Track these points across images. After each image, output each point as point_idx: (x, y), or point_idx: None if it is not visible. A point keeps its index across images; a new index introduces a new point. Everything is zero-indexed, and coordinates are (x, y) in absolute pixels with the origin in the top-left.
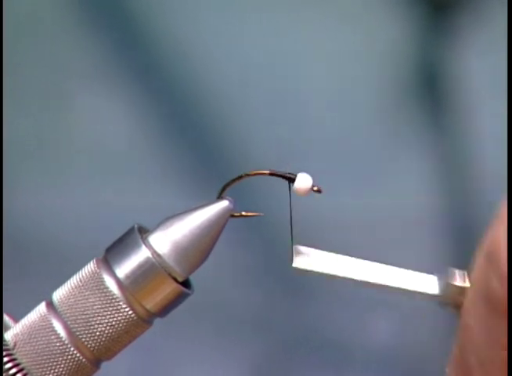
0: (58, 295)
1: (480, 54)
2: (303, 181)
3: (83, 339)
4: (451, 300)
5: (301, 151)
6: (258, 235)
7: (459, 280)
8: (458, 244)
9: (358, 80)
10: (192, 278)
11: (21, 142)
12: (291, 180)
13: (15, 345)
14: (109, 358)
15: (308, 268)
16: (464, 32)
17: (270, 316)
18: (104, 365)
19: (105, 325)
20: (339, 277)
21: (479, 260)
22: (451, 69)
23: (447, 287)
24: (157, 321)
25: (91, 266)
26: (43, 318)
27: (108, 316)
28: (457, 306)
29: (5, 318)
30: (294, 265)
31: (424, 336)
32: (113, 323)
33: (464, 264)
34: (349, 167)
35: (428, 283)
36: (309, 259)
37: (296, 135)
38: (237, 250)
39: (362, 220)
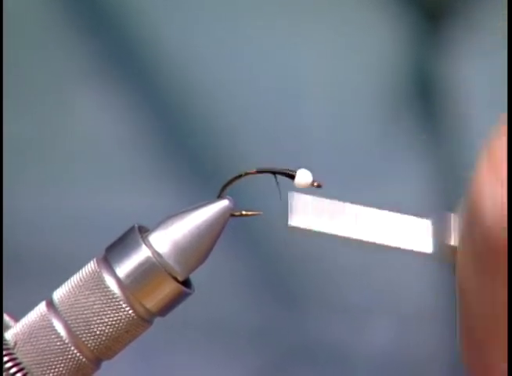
0: (58, 295)
1: (474, 60)
2: (303, 176)
3: (83, 338)
4: (446, 259)
5: (301, 152)
6: (256, 240)
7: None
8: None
9: (354, 85)
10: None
11: (20, 143)
12: (291, 177)
13: (15, 345)
14: (109, 357)
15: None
16: (458, 39)
17: (267, 327)
18: (104, 364)
19: (105, 324)
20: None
21: (463, 216)
22: (446, 74)
23: (442, 246)
24: (154, 331)
25: (91, 266)
26: (43, 317)
27: (108, 316)
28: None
29: (5, 317)
30: (291, 223)
31: (423, 341)
32: (114, 322)
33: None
34: (348, 169)
35: (423, 243)
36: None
37: (296, 136)
38: (233, 256)
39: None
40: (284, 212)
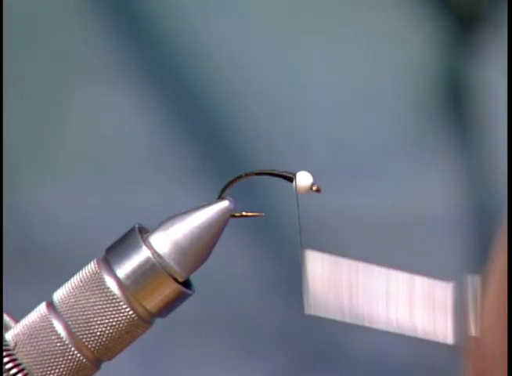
0: (58, 295)
1: (504, 66)
2: (302, 179)
3: (83, 339)
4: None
5: (304, 153)
6: (266, 241)
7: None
8: (466, 248)
9: (381, 89)
10: (208, 288)
11: (22, 142)
12: (290, 179)
13: (15, 346)
14: (109, 358)
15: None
16: (489, 45)
17: (287, 328)
18: (104, 365)
19: (105, 325)
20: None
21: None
22: (475, 79)
23: (464, 337)
24: (169, 333)
25: (91, 266)
26: (43, 318)
27: (108, 317)
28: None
29: (6, 318)
30: (308, 312)
31: (437, 348)
32: (114, 323)
33: (471, 267)
34: (359, 168)
35: (444, 333)
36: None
37: (302, 138)
38: (247, 258)
39: (368, 221)
40: (286, 213)
